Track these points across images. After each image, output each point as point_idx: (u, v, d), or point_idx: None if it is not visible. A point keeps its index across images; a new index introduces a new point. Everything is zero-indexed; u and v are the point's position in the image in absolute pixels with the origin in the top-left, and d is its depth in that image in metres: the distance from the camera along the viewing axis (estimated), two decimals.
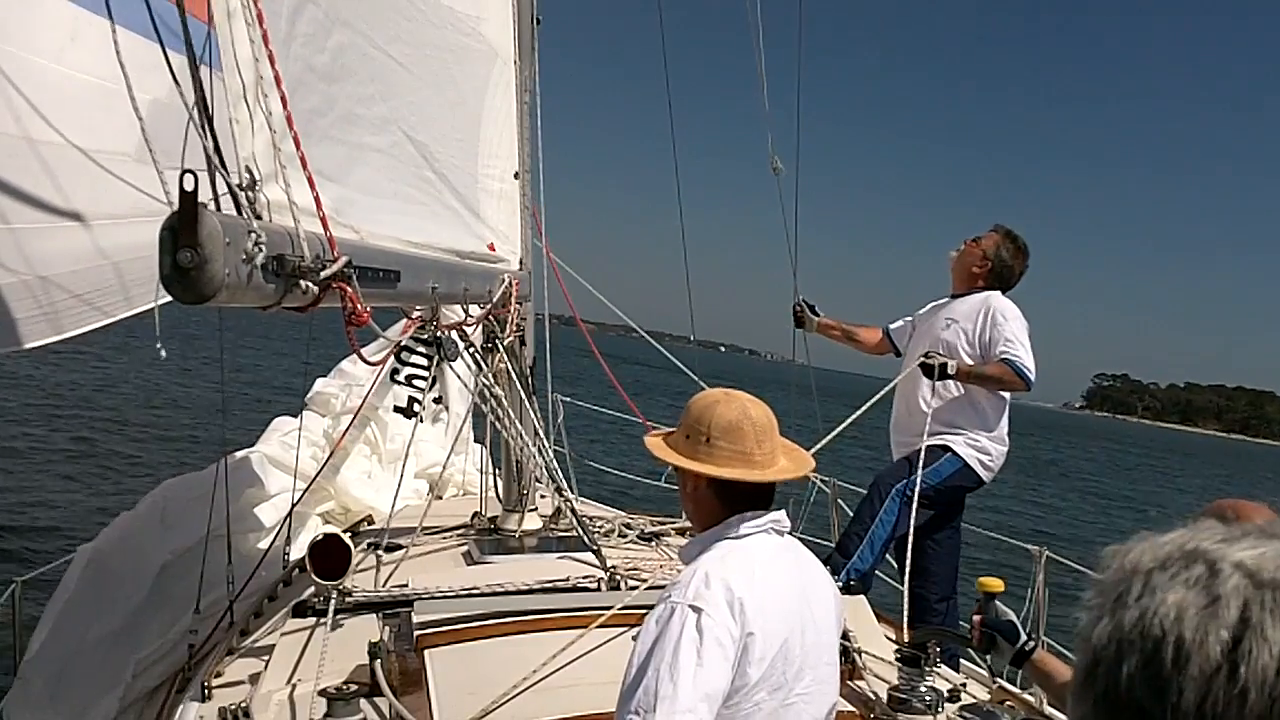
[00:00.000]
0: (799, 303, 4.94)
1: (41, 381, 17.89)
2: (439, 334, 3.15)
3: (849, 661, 2.82)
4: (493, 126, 3.90)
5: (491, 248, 3.81)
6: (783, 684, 1.84)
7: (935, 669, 2.82)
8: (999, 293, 4.39)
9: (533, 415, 3.97)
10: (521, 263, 4.14)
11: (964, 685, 2.99)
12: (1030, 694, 3.12)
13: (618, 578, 3.02)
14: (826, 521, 5.32)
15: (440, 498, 4.66)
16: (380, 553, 3.33)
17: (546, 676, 2.44)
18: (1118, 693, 0.66)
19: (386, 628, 2.79)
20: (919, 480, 4.06)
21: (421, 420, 5.27)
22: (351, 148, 2.71)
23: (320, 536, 2.96)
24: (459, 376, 4.09)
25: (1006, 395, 4.35)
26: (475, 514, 3.92)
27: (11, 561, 7.77)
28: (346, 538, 2.98)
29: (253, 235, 1.79)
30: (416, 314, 3.45)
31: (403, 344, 4.85)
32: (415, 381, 5.33)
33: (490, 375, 3.67)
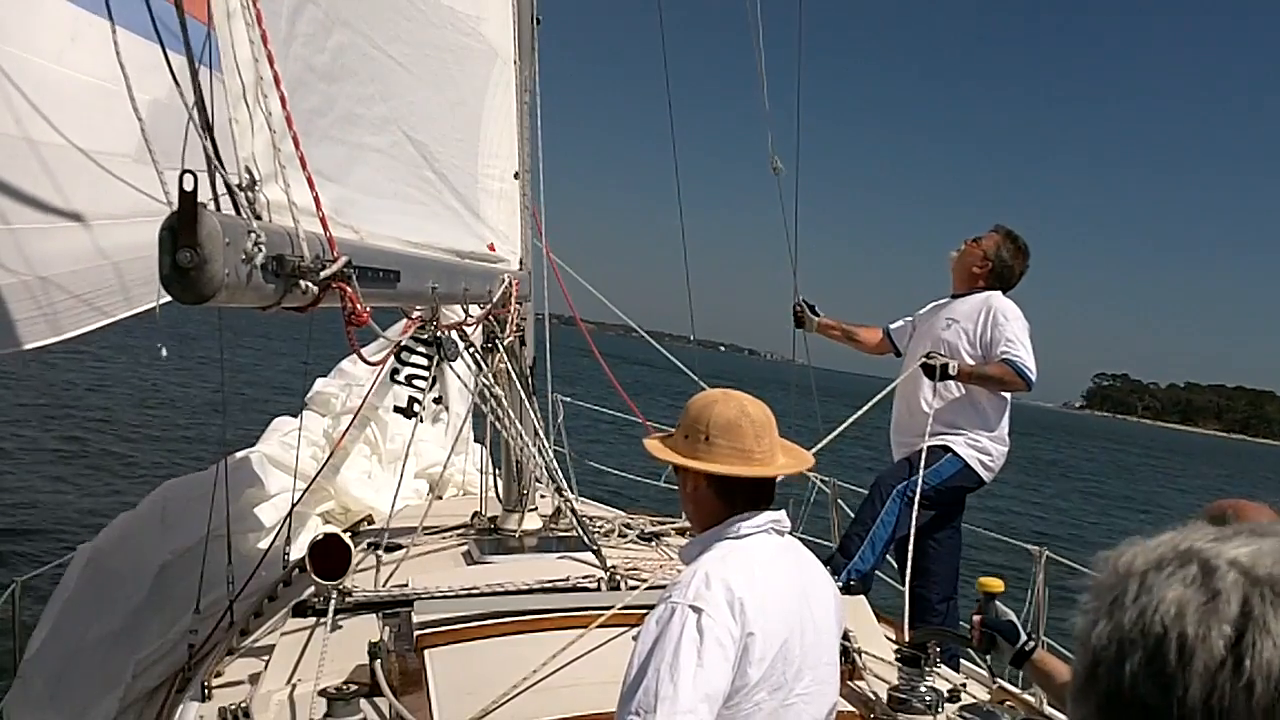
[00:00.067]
0: (799, 303, 4.94)
1: (41, 382, 17.88)
2: (439, 334, 3.15)
3: (849, 661, 2.82)
4: (493, 126, 3.90)
5: (491, 248, 3.81)
6: (782, 684, 1.84)
7: (935, 669, 2.82)
8: (999, 293, 4.39)
9: (533, 415, 3.98)
10: (521, 263, 4.14)
11: (964, 685, 2.99)
12: (1030, 694, 3.12)
13: (618, 578, 3.02)
14: (827, 522, 5.32)
15: (440, 498, 4.65)
16: (380, 553, 3.33)
17: (546, 676, 2.44)
18: (1121, 692, 0.66)
19: (386, 628, 2.79)
20: (920, 481, 4.06)
21: (421, 420, 5.27)
22: (351, 148, 2.71)
23: (320, 536, 2.96)
24: (459, 376, 4.09)
25: (1008, 395, 4.35)
26: (475, 514, 3.92)
27: (11, 561, 7.78)
28: (346, 538, 2.98)
29: (252, 235, 1.79)
30: (416, 314, 3.45)
31: (403, 344, 4.85)
32: (415, 381, 5.33)
33: (490, 375, 3.67)
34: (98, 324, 3.62)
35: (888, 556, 4.29)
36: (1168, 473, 56.44)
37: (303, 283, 1.96)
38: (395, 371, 5.27)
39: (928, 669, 2.73)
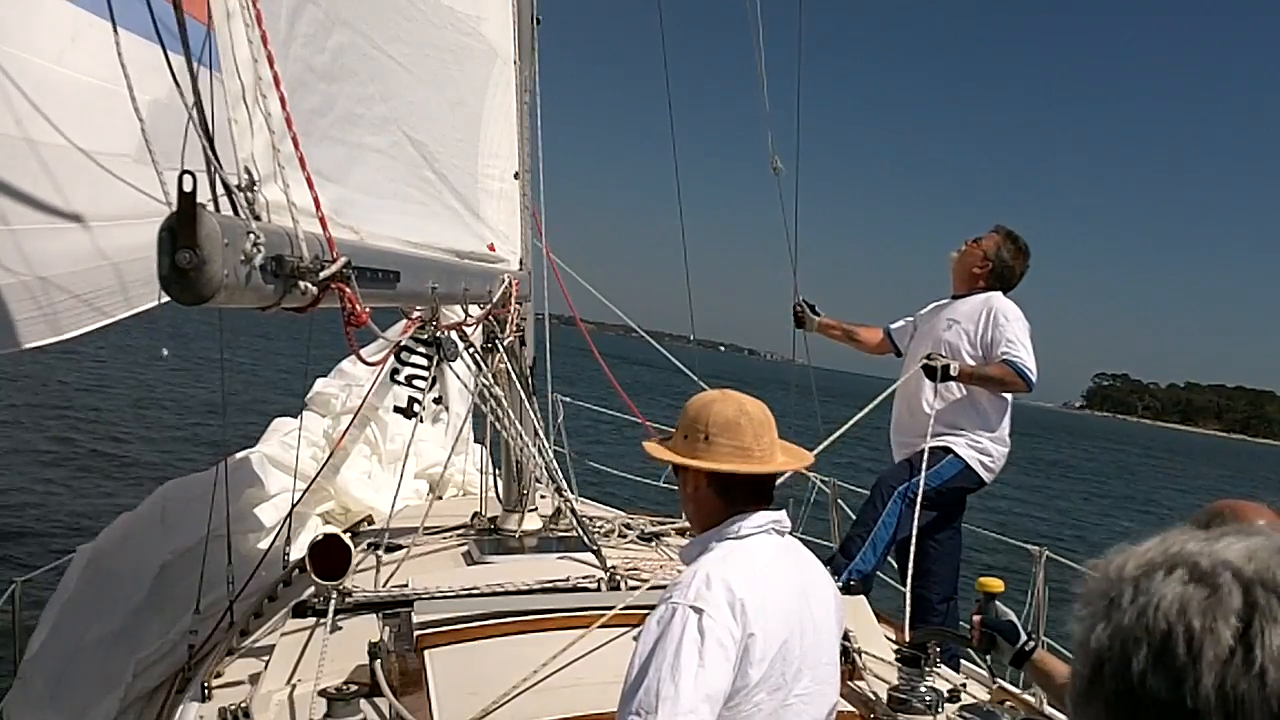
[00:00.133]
0: (799, 302, 4.94)
1: (41, 382, 17.89)
2: (439, 334, 3.15)
3: (849, 662, 2.82)
4: (493, 126, 3.90)
5: (491, 248, 3.81)
6: (782, 685, 1.84)
7: (935, 669, 2.82)
8: (1000, 293, 4.39)
9: (533, 415, 3.97)
10: (521, 263, 4.14)
11: (964, 685, 2.99)
12: (1030, 694, 3.12)
13: (618, 578, 3.02)
14: (827, 522, 5.32)
15: (440, 498, 4.65)
16: (380, 553, 3.33)
17: (547, 677, 2.44)
18: (1130, 689, 0.66)
19: (386, 628, 2.79)
20: (922, 483, 4.06)
21: (421, 420, 5.27)
22: (351, 148, 2.71)
23: (320, 536, 2.96)
24: (459, 377, 4.09)
25: (1008, 396, 4.35)
26: (475, 514, 3.92)
27: (11, 561, 7.78)
28: (346, 538, 2.98)
29: (251, 236, 1.79)
30: (416, 314, 3.45)
31: (402, 344, 4.86)
32: (415, 382, 5.33)
33: (490, 375, 3.66)
34: (97, 324, 3.62)
35: (888, 557, 4.29)
36: (1168, 473, 56.44)
37: (302, 283, 1.96)
38: (395, 372, 5.27)
39: (928, 669, 2.73)
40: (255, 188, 1.95)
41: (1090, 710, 0.69)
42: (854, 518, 4.48)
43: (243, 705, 2.51)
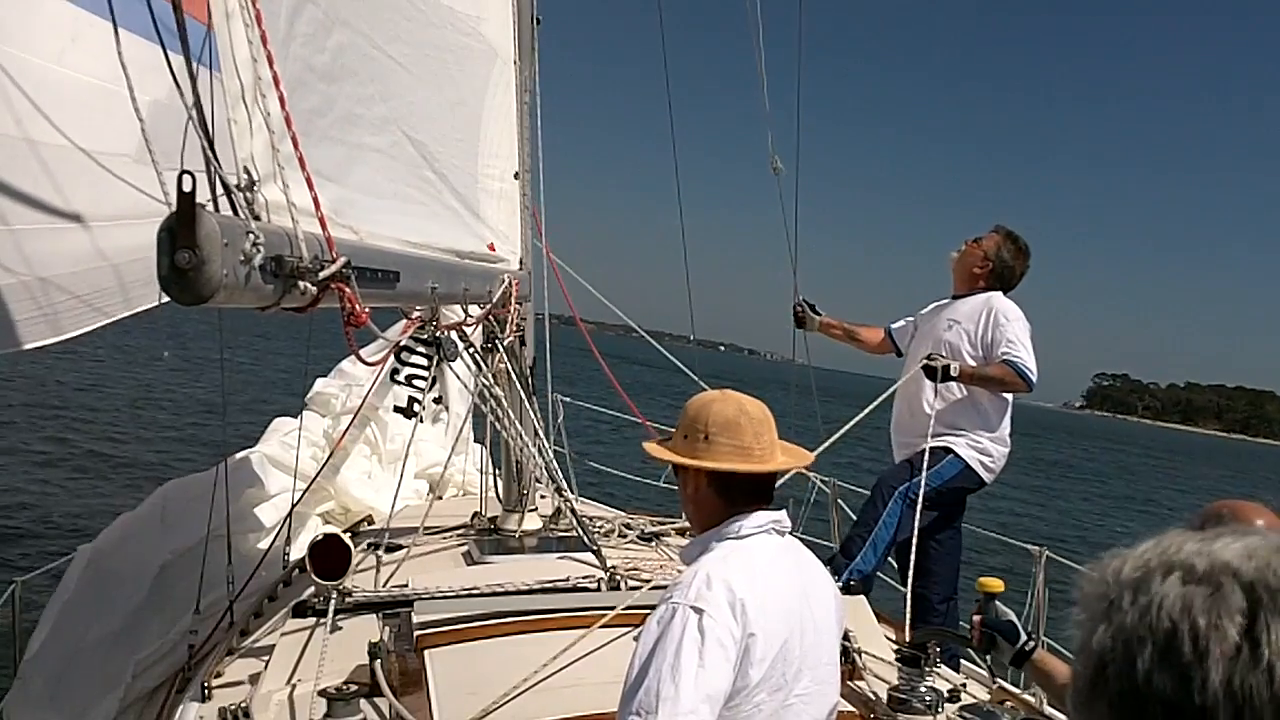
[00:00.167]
0: (799, 302, 4.94)
1: (41, 382, 17.89)
2: (439, 334, 3.15)
3: (849, 662, 2.82)
4: (493, 126, 3.90)
5: (491, 248, 3.81)
6: (782, 685, 1.84)
7: (935, 669, 2.82)
8: (1000, 294, 4.39)
9: (533, 415, 3.97)
10: (521, 263, 4.14)
11: (964, 685, 2.99)
12: (1030, 694, 3.12)
13: (618, 578, 3.02)
14: (827, 522, 5.32)
15: (440, 498, 4.65)
16: (380, 553, 3.33)
17: (547, 677, 2.43)
18: (1135, 689, 0.66)
19: (386, 628, 2.79)
20: (922, 482, 4.07)
21: (421, 420, 5.27)
22: (351, 148, 2.71)
23: (320, 536, 2.96)
24: (459, 377, 4.09)
25: (1009, 396, 4.36)
26: (475, 514, 3.92)
27: (11, 561, 7.78)
28: (346, 538, 2.98)
29: (251, 236, 1.79)
30: (416, 314, 3.45)
31: (402, 344, 4.86)
32: (415, 382, 5.33)
33: (490, 375, 3.66)
34: (97, 324, 3.62)
35: (889, 558, 4.29)
36: (1168, 473, 56.43)
37: (301, 283, 1.96)
38: (395, 372, 5.28)
39: (928, 669, 2.73)
40: (255, 188, 1.95)
41: (1094, 711, 0.69)
42: (854, 518, 4.48)
43: (243, 705, 2.51)
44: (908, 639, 3.06)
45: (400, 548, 3.44)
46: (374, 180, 2.86)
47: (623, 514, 4.32)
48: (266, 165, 2.03)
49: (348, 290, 2.07)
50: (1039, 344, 4.28)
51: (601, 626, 2.61)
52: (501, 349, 3.73)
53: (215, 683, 2.79)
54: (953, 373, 4.17)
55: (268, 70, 2.02)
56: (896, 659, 2.84)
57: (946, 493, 4.25)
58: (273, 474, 4.76)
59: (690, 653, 1.71)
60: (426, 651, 2.65)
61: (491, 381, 3.65)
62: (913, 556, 3.84)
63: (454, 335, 3.39)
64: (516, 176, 4.10)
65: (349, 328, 2.16)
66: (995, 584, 2.49)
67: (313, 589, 2.96)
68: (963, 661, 3.54)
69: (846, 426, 4.19)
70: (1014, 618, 2.42)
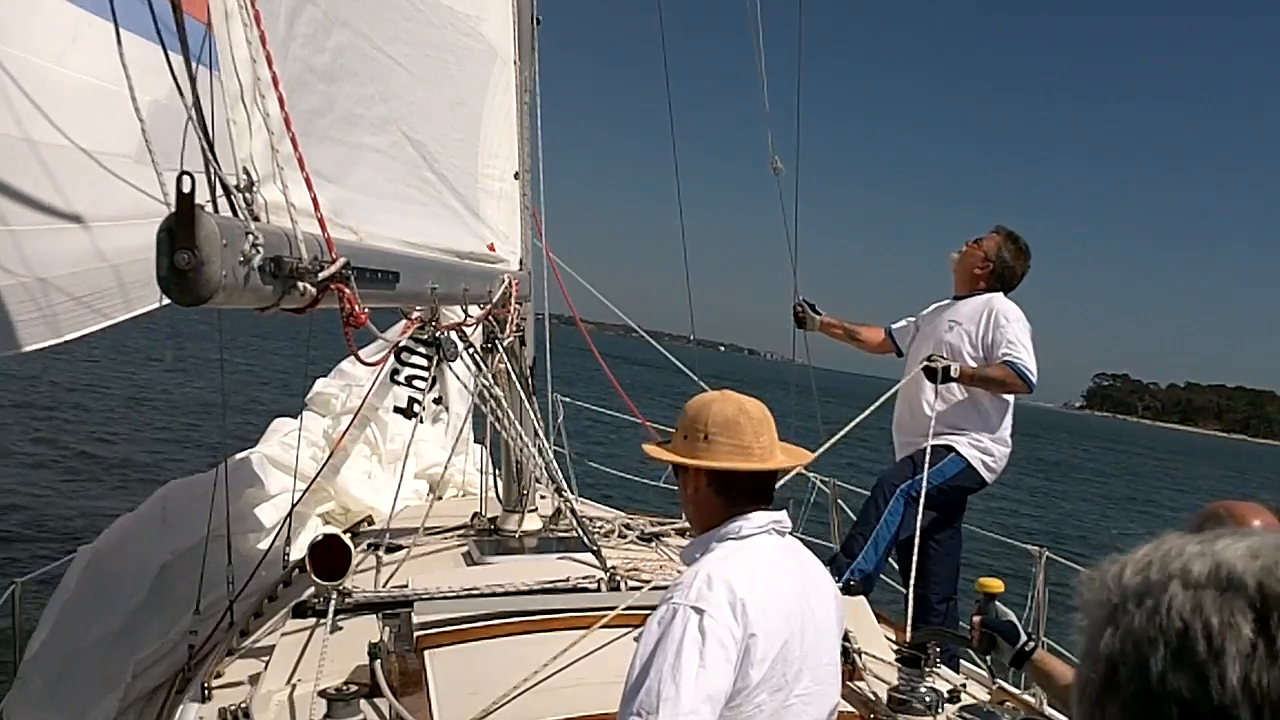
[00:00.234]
0: (799, 302, 4.94)
1: (40, 382, 17.89)
2: (438, 334, 3.15)
3: (849, 662, 2.81)
4: (493, 126, 3.90)
5: (491, 248, 3.81)
6: (783, 685, 1.84)
7: (935, 669, 2.82)
8: (1001, 294, 4.40)
9: (532, 415, 3.97)
10: (521, 263, 4.14)
11: (964, 686, 2.98)
12: (1030, 694, 3.12)
13: (618, 578, 3.02)
14: (827, 522, 5.32)
15: (440, 498, 4.65)
16: (380, 553, 3.33)
17: (547, 677, 2.43)
18: (1149, 690, 0.66)
19: (386, 628, 2.79)
20: (924, 482, 4.07)
21: (421, 421, 5.27)
22: (351, 148, 2.71)
23: (320, 537, 2.96)
24: (459, 377, 4.09)
25: (1009, 397, 4.36)
26: (475, 514, 3.92)
27: (11, 561, 7.78)
28: (346, 538, 2.98)
29: (250, 237, 1.79)
30: (416, 314, 3.45)
31: (402, 344, 4.85)
32: (415, 382, 5.33)
33: (490, 375, 3.66)
34: (97, 326, 3.62)
35: (889, 557, 4.29)
36: (1168, 473, 56.44)
37: (301, 284, 1.96)
38: (395, 372, 5.28)
39: (928, 669, 2.73)
40: (254, 188, 1.95)
41: (1105, 714, 0.69)
42: (854, 518, 4.48)
43: (243, 705, 2.51)
44: (908, 639, 3.06)
45: (400, 548, 3.44)
46: (374, 180, 2.86)
47: (623, 514, 4.32)
48: (266, 166, 2.03)
49: (347, 291, 2.07)
50: (1039, 344, 4.29)
51: (602, 627, 2.61)
52: (501, 349, 3.73)
53: (215, 683, 2.79)
54: (953, 374, 4.17)
55: (267, 70, 2.02)
56: (896, 659, 2.84)
57: (948, 491, 4.25)
58: (273, 474, 4.75)
59: (691, 653, 1.71)
60: (426, 652, 2.65)
61: (491, 382, 3.65)
62: (914, 556, 3.83)
63: (454, 335, 3.39)
64: (516, 176, 4.10)
65: (348, 328, 2.15)
66: (995, 584, 2.49)
67: (313, 589, 2.96)
68: (963, 662, 3.54)
69: (847, 428, 4.19)
70: (1014, 618, 2.42)
